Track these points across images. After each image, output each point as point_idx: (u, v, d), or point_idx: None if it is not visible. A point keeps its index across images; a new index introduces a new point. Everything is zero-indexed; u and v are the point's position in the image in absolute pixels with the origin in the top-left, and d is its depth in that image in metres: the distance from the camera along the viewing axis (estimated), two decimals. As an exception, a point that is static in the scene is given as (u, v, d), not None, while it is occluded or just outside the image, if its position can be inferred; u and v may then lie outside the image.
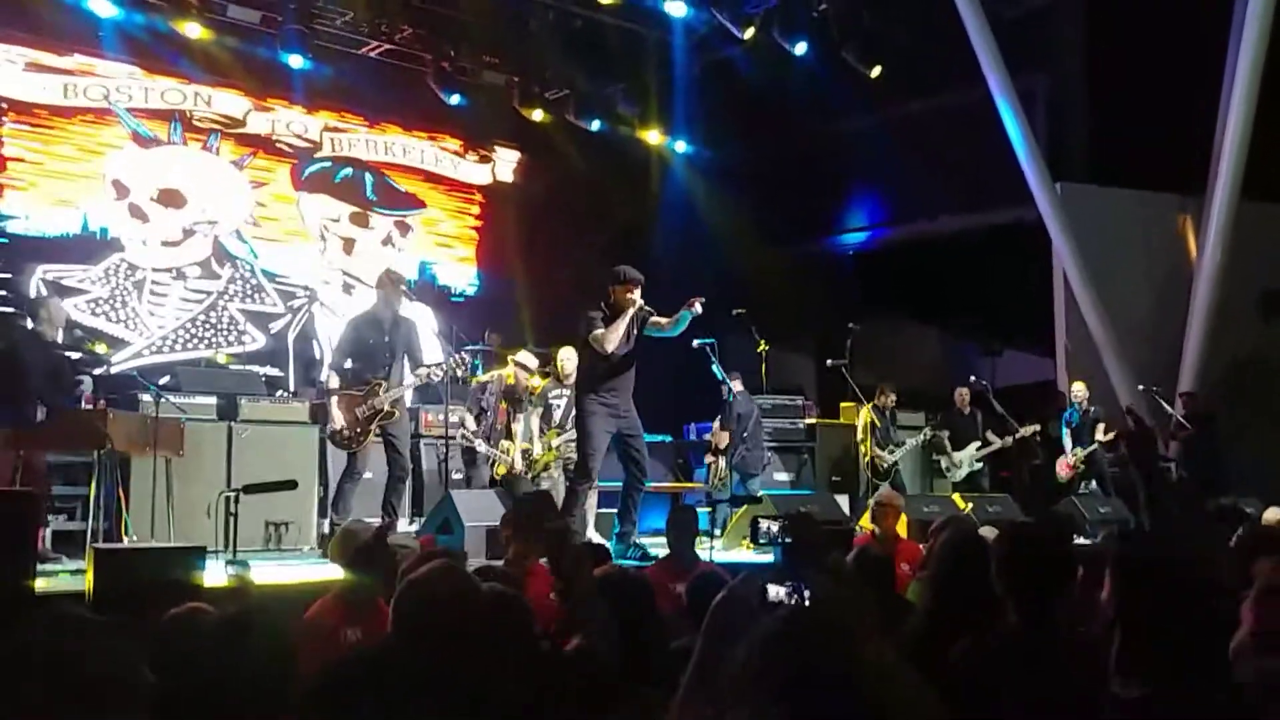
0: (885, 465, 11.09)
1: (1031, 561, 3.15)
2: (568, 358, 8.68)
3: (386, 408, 7.63)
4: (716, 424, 10.80)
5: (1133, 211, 13.50)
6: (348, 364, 7.80)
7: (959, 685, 2.86)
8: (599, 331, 7.15)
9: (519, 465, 8.78)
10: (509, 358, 9.71)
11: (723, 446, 10.47)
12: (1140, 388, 12.13)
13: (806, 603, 2.29)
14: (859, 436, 11.21)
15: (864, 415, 11.19)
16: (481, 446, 8.96)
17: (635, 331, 7.31)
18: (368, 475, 8.39)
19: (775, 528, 2.63)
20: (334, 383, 7.75)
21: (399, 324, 7.88)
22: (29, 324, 7.76)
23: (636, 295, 7.26)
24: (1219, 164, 12.56)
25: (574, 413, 7.87)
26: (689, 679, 2.38)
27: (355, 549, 4.01)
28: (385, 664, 2.73)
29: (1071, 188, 13.11)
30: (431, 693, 2.49)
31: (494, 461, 8.97)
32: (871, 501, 7.17)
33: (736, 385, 9.87)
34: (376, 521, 7.88)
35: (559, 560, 3.45)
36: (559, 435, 8.81)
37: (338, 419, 7.59)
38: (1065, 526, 5.22)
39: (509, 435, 9.06)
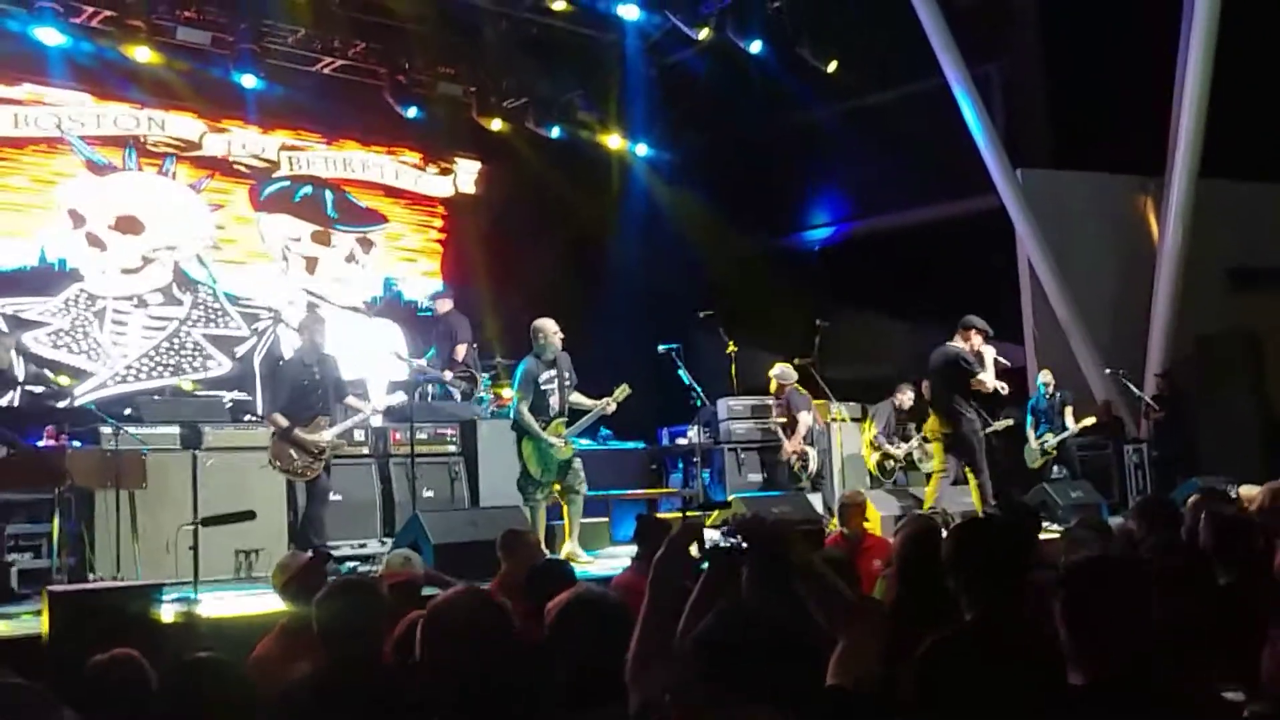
0: (894, 464, 11.10)
1: (981, 556, 3.14)
2: (546, 329, 8.26)
3: (336, 441, 7.87)
4: (806, 414, 10.56)
5: (1094, 194, 13.58)
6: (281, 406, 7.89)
7: (921, 683, 2.87)
8: (982, 375, 8.88)
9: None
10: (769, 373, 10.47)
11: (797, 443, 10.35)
12: (1108, 371, 12.19)
13: (743, 545, 2.44)
14: (868, 435, 11.19)
15: (867, 423, 11.23)
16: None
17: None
18: (336, 497, 8.38)
19: (720, 536, 2.61)
20: (283, 422, 7.75)
21: (324, 360, 8.04)
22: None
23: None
24: (1177, 143, 12.63)
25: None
26: (642, 631, 2.43)
27: (287, 580, 3.95)
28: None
29: (1032, 174, 13.17)
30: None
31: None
32: (837, 501, 7.18)
33: None
34: (345, 546, 7.91)
35: None
36: (566, 425, 8.20)
37: (294, 451, 7.73)
38: (1028, 518, 5.21)
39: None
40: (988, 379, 8.90)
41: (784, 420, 10.46)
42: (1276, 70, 12.34)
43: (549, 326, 8.30)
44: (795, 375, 10.59)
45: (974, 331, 9.03)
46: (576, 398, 8.46)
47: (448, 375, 9.99)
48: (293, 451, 7.77)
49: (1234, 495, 6.81)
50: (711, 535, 2.55)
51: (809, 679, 2.22)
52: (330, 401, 7.98)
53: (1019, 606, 3.27)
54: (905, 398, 11.40)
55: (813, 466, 10.20)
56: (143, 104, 11.78)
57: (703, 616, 2.70)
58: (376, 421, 9.81)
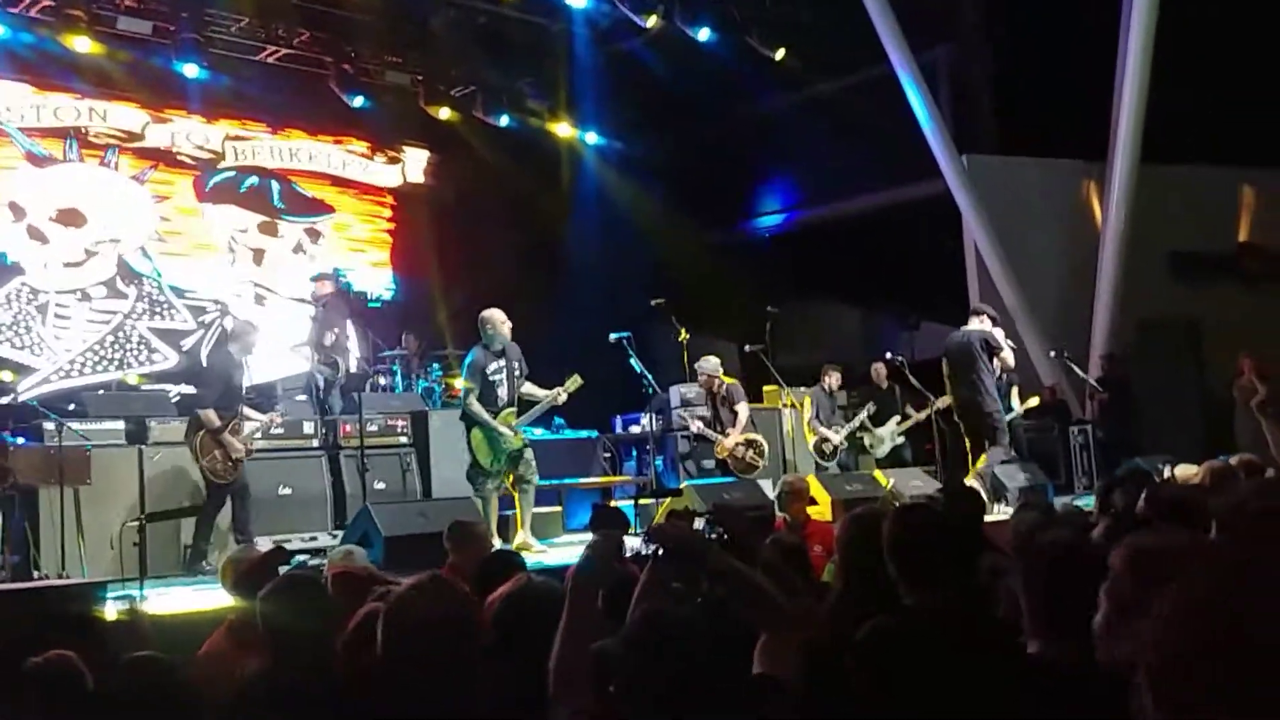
0: (831, 447, 11.15)
1: (919, 542, 3.17)
2: (494, 319, 8.21)
3: (251, 446, 7.92)
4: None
5: (1039, 179, 13.75)
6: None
7: (859, 667, 2.91)
8: (1006, 353, 9.50)
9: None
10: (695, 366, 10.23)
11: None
12: (1052, 353, 12.35)
13: (660, 551, 2.45)
14: (805, 419, 11.24)
15: (806, 399, 11.25)
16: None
17: None
18: (285, 490, 8.35)
19: (640, 544, 2.62)
20: (217, 421, 7.73)
21: (243, 367, 8.15)
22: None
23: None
24: (1119, 128, 12.81)
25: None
26: (561, 644, 2.42)
27: (239, 575, 3.92)
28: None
29: (978, 159, 13.30)
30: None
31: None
32: (777, 488, 7.24)
33: None
34: (293, 540, 7.86)
35: None
36: (515, 416, 8.18)
37: (219, 452, 7.71)
38: (970, 502, 5.27)
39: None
40: (1009, 357, 9.69)
41: (706, 416, 10.35)
42: (1215, 56, 12.56)
43: (496, 317, 8.25)
44: (720, 366, 10.54)
45: (985, 316, 9.71)
46: (529, 388, 8.39)
47: (314, 358, 9.88)
48: (217, 452, 7.75)
49: (1164, 475, 6.96)
50: (633, 543, 2.55)
51: (736, 671, 2.24)
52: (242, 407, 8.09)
53: (960, 590, 3.34)
54: (832, 380, 11.44)
55: (767, 451, 10.22)
56: (84, 94, 11.61)
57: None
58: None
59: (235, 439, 7.80)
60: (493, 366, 8.16)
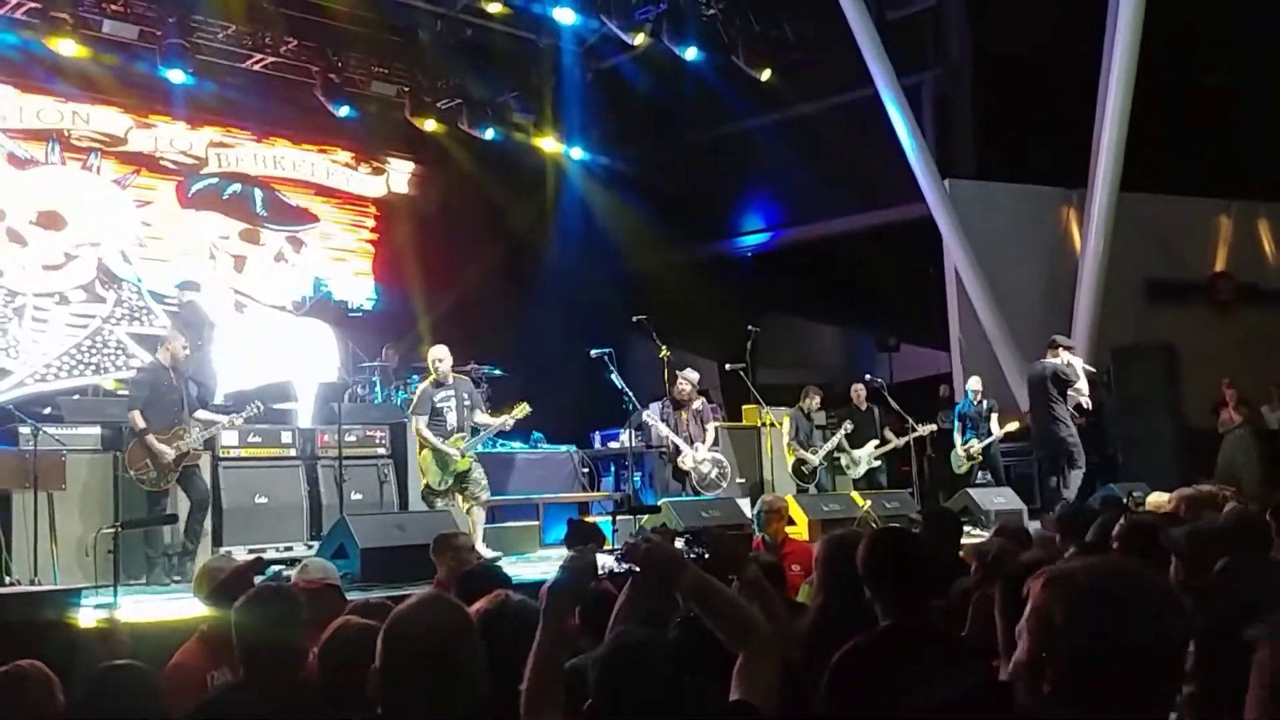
0: (810, 466, 11.16)
1: (894, 565, 3.19)
2: (441, 357, 8.69)
3: (191, 451, 7.82)
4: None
5: (1019, 205, 13.85)
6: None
7: (834, 688, 2.91)
8: (1081, 384, 9.95)
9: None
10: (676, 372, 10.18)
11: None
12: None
13: (636, 569, 2.43)
14: (785, 439, 11.25)
15: (786, 419, 11.26)
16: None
17: None
18: (261, 499, 8.30)
19: (614, 561, 2.60)
20: (141, 422, 7.65)
21: (180, 373, 8.11)
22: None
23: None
24: (1099, 157, 12.92)
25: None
26: (534, 663, 2.40)
27: (215, 585, 3.88)
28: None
29: (960, 184, 13.39)
30: None
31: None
32: (755, 507, 7.27)
33: None
34: (269, 550, 7.81)
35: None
36: (463, 440, 8.50)
37: (150, 460, 7.62)
38: (948, 525, 5.31)
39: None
40: (1084, 386, 10.05)
41: (667, 432, 10.30)
42: (1195, 89, 12.72)
43: (439, 353, 8.76)
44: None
45: (1061, 348, 10.00)
46: (483, 418, 8.79)
47: None
48: (148, 460, 7.64)
49: (1132, 503, 7.02)
50: (607, 561, 2.53)
51: (712, 695, 2.22)
52: (188, 414, 7.94)
53: (934, 611, 3.35)
54: (812, 401, 11.47)
55: (730, 474, 10.23)
56: (67, 97, 11.55)
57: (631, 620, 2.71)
58: (305, 422, 9.73)
59: (165, 445, 7.67)
60: (440, 395, 8.63)
